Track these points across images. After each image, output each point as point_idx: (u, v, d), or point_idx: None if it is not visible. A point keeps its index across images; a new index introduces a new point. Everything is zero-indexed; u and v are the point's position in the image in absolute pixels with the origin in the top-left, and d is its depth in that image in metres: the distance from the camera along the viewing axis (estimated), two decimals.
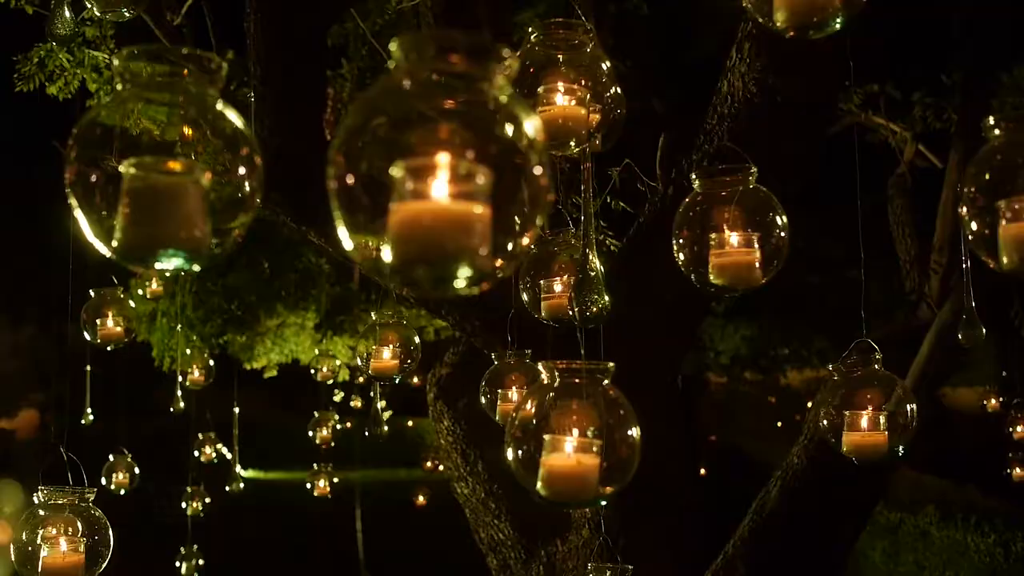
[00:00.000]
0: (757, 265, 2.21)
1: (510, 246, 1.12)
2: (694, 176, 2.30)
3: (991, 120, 1.71)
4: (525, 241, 1.13)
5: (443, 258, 1.05)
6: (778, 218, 2.24)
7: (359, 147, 1.09)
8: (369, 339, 3.17)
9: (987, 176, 1.70)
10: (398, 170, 1.05)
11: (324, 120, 4.57)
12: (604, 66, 2.21)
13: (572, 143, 2.16)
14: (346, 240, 1.11)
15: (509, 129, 1.12)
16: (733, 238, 2.22)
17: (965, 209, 1.72)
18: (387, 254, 1.07)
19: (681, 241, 2.28)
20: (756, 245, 2.21)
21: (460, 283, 1.07)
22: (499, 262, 1.11)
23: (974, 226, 1.71)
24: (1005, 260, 1.67)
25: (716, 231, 2.23)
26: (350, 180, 1.08)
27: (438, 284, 1.07)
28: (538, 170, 1.12)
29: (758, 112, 3.01)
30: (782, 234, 2.23)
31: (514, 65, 1.12)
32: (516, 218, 1.12)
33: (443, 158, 1.06)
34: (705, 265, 2.24)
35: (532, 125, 1.13)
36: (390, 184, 1.06)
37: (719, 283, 2.23)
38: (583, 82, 2.16)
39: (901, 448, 2.56)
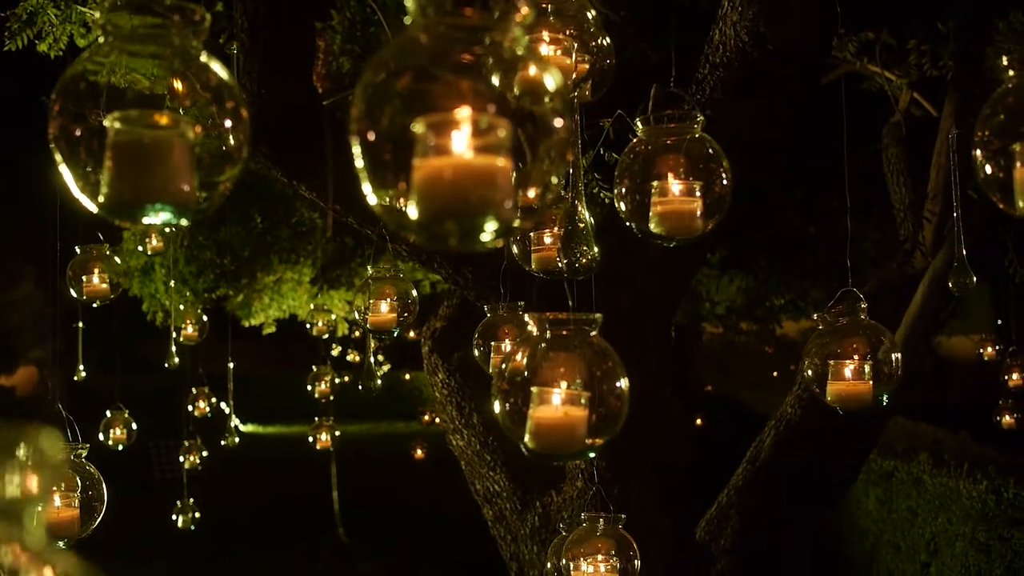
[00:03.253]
0: (698, 214, 2.16)
1: (533, 198, 1.13)
2: (638, 123, 2.26)
3: (1004, 61, 1.64)
4: (549, 195, 1.14)
5: (468, 212, 1.05)
6: (721, 168, 2.18)
7: (379, 104, 1.08)
8: (366, 293, 3.16)
9: (1002, 118, 1.63)
10: (419, 126, 1.06)
11: (315, 73, 4.52)
12: (590, 15, 2.18)
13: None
14: (370, 196, 1.11)
15: (528, 81, 1.12)
16: (675, 187, 2.17)
17: (979, 152, 1.65)
18: (413, 210, 1.07)
19: (623, 190, 2.23)
20: (698, 194, 2.16)
21: (486, 236, 1.08)
22: (524, 215, 1.13)
23: (988, 169, 1.64)
24: (1021, 204, 1.62)
25: (659, 179, 2.18)
26: (371, 137, 1.08)
27: (464, 238, 1.08)
28: (559, 122, 1.13)
29: (750, 61, 2.99)
30: (725, 183, 2.18)
31: (530, 15, 1.12)
32: (538, 171, 1.12)
33: (464, 112, 1.06)
34: (646, 214, 2.19)
35: (551, 77, 1.13)
36: (412, 140, 1.06)
37: (659, 232, 2.18)
38: (568, 32, 2.13)
39: (885, 397, 2.55)
